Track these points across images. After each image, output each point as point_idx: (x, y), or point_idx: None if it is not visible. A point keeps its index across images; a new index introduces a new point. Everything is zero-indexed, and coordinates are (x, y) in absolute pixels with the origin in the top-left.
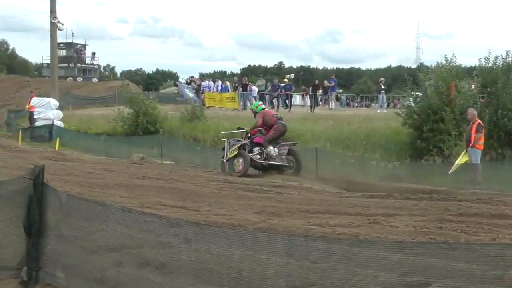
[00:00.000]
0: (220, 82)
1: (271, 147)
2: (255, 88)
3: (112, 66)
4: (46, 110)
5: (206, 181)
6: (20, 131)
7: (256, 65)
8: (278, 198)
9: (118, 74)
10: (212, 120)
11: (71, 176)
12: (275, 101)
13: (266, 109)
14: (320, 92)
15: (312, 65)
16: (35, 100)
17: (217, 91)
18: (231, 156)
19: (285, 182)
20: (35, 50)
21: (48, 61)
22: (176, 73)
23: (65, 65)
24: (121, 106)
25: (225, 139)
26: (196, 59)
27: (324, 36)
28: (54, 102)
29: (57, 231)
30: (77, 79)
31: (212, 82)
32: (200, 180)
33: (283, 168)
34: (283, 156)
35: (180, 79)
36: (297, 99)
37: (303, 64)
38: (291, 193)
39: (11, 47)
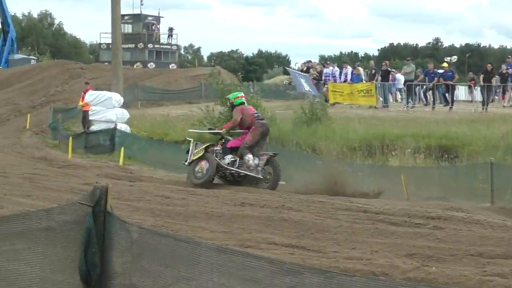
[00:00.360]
0: (349, 69)
1: (250, 156)
2: (400, 77)
3: (196, 46)
4: (106, 108)
5: (332, 210)
6: (71, 138)
7: (401, 43)
8: (438, 234)
9: (205, 58)
10: (339, 122)
11: (141, 201)
12: (429, 94)
13: (245, 103)
14: (495, 81)
15: (484, 43)
16: (90, 95)
17: (346, 81)
18: (194, 158)
19: (445, 212)
20: (89, 26)
21: (108, 41)
22: (286, 55)
23: (132, 45)
24: (210, 102)
25: (191, 139)
26: (315, 36)
27: (502, 1)
28: (117, 97)
29: (126, 279)
30: (149, 65)
31: (338, 69)
32: (324, 208)
33: (257, 181)
34: (259, 168)
35: (292, 65)
36: (461, 91)
37: (470, 42)
38: (455, 228)
39: (57, 22)
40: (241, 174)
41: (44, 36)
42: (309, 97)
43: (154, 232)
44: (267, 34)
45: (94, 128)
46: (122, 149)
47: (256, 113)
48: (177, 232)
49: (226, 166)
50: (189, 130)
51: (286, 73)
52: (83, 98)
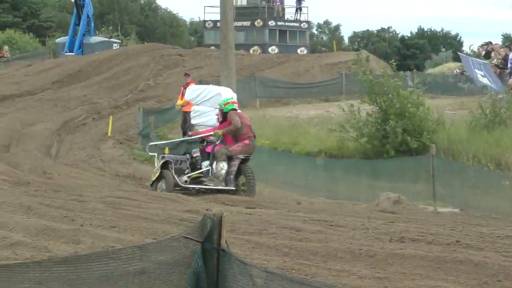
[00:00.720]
0: None
1: (225, 164)
2: None
3: (334, 24)
4: (214, 108)
5: None
6: (167, 149)
7: None
8: None
9: (346, 39)
10: None
11: (263, 235)
12: None
13: (237, 110)
14: None
15: None
16: (192, 91)
17: None
18: (154, 179)
19: None
20: None
21: (216, 17)
22: (457, 35)
23: (247, 23)
24: (354, 100)
25: (155, 154)
26: (498, 8)
27: None
28: (227, 93)
29: None
30: (270, 49)
31: None
32: None
33: (229, 193)
34: (231, 176)
35: (465, 48)
36: None
37: None
38: None
39: None
40: (208, 189)
41: (129, 12)
42: (490, 92)
43: (284, 277)
44: (430, 6)
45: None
46: None
47: (251, 126)
48: (314, 278)
49: (183, 185)
50: (150, 144)
51: (457, 59)
52: (182, 94)
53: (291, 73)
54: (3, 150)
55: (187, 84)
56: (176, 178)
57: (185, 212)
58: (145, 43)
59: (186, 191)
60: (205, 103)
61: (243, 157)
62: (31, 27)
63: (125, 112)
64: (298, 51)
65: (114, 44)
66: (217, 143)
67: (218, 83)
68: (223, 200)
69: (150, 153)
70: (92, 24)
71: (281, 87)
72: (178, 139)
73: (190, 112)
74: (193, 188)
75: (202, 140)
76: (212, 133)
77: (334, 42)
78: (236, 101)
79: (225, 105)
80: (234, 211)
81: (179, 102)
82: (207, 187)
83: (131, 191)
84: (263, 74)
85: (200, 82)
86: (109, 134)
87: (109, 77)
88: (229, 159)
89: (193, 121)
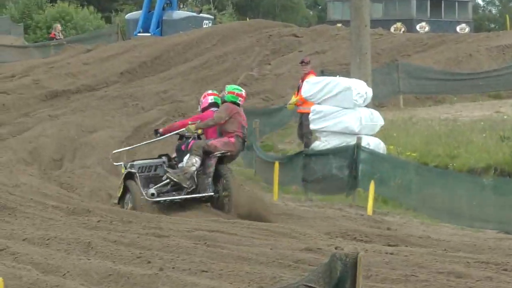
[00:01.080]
0: None
1: (197, 160)
2: None
3: None
4: (341, 108)
5: None
6: (277, 163)
7: None
8: None
9: None
10: None
11: (410, 282)
12: None
13: (240, 106)
14: None
15: None
16: (312, 85)
17: None
18: (119, 195)
19: None
20: None
21: None
22: None
23: None
24: None
25: (121, 164)
26: None
27: None
28: (360, 88)
29: None
30: (418, 27)
31: None
32: None
33: (207, 199)
34: (209, 180)
35: None
36: None
37: None
38: None
39: None
40: (184, 198)
41: None
42: None
43: None
44: None
45: (319, 144)
46: (372, 184)
47: (245, 128)
48: None
49: (150, 199)
50: (113, 151)
51: None
52: (299, 89)
53: (448, 59)
54: (54, 167)
55: (305, 76)
56: (142, 191)
57: (303, 251)
58: (247, 19)
59: (159, 205)
60: (330, 101)
61: (219, 154)
62: None
63: None
64: (458, 29)
65: (205, 21)
66: (189, 141)
67: (347, 73)
68: (353, 234)
69: (115, 163)
70: None
71: (434, 78)
72: (144, 142)
73: (308, 113)
74: (164, 200)
75: (181, 136)
76: (184, 129)
77: (507, 16)
78: (244, 95)
79: (228, 92)
80: (370, 249)
81: (294, 99)
82: (181, 197)
83: (229, 222)
84: (409, 60)
85: (323, 72)
86: None
87: (198, 66)
88: (205, 158)
89: (312, 126)
